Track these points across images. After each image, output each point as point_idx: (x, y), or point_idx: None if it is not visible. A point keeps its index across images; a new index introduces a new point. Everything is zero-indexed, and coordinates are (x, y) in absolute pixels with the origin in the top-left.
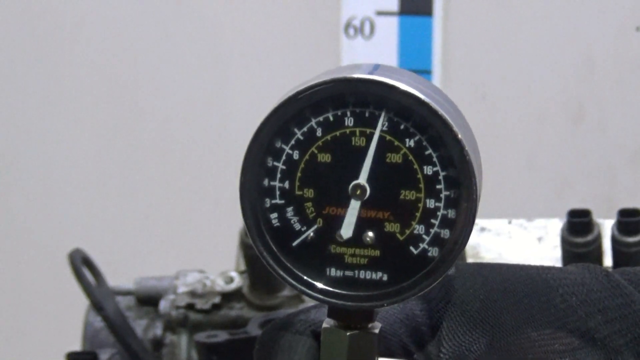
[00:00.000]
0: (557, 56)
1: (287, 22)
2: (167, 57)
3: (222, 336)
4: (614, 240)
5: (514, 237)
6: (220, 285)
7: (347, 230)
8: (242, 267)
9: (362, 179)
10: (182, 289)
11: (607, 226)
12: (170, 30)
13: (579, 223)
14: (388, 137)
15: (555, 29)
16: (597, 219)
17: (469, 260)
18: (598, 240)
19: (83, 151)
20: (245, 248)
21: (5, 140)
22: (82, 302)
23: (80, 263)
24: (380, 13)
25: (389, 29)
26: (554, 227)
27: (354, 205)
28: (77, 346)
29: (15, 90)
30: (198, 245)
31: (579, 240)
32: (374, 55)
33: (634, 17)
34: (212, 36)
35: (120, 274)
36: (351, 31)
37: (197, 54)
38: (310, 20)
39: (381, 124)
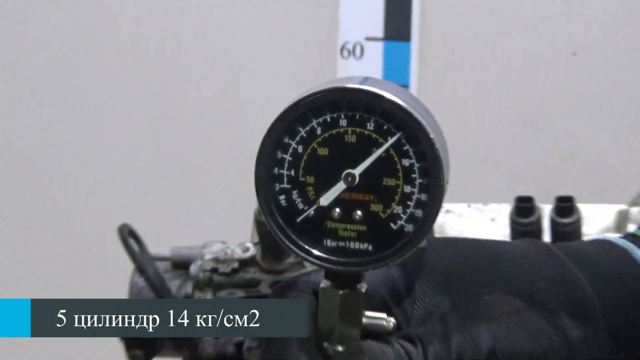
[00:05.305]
0: (510, 76)
1: (294, 45)
2: (196, 76)
3: (239, 294)
4: (552, 221)
5: (472, 218)
6: (238, 253)
7: (325, 200)
8: (256, 239)
9: (358, 171)
10: (208, 256)
11: (546, 210)
12: (190, 58)
13: (524, 207)
14: (374, 135)
15: (508, 56)
16: (538, 203)
17: (437, 236)
18: (539, 221)
19: (127, 152)
20: (259, 224)
21: (67, 129)
22: (128, 266)
23: (127, 235)
24: (368, 39)
25: (375, 52)
26: (504, 210)
27: (340, 186)
28: None
29: (70, 87)
30: (221, 222)
31: (524, 220)
32: (363, 73)
33: (570, 44)
34: (230, 56)
35: (160, 244)
36: (345, 53)
37: (217, 73)
38: (313, 44)
39: (393, 140)
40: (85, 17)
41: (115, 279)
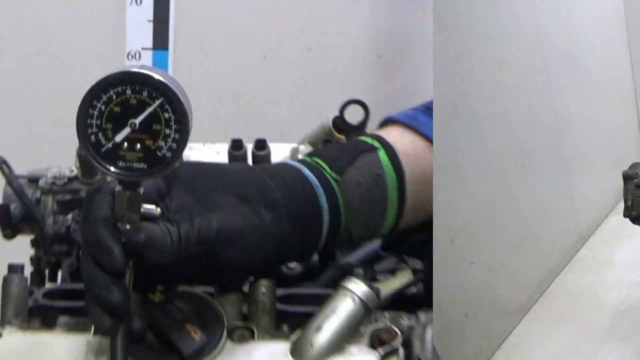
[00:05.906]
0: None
1: (94, 52)
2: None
3: (67, 196)
4: (253, 153)
5: (205, 152)
6: (67, 173)
7: (118, 138)
8: (77, 164)
9: (137, 120)
10: (49, 175)
11: (249, 147)
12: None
13: (236, 145)
14: (147, 99)
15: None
16: (245, 143)
17: (185, 160)
18: (246, 153)
19: None
20: (79, 155)
21: None
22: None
23: (1, 163)
24: (144, 49)
25: (148, 57)
26: (224, 147)
27: (127, 130)
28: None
29: None
30: (57, 155)
31: (236, 153)
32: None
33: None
34: (55, 46)
35: (23, 167)
36: (130, 57)
37: (50, 60)
38: (108, 52)
39: (159, 102)
40: None
41: None
